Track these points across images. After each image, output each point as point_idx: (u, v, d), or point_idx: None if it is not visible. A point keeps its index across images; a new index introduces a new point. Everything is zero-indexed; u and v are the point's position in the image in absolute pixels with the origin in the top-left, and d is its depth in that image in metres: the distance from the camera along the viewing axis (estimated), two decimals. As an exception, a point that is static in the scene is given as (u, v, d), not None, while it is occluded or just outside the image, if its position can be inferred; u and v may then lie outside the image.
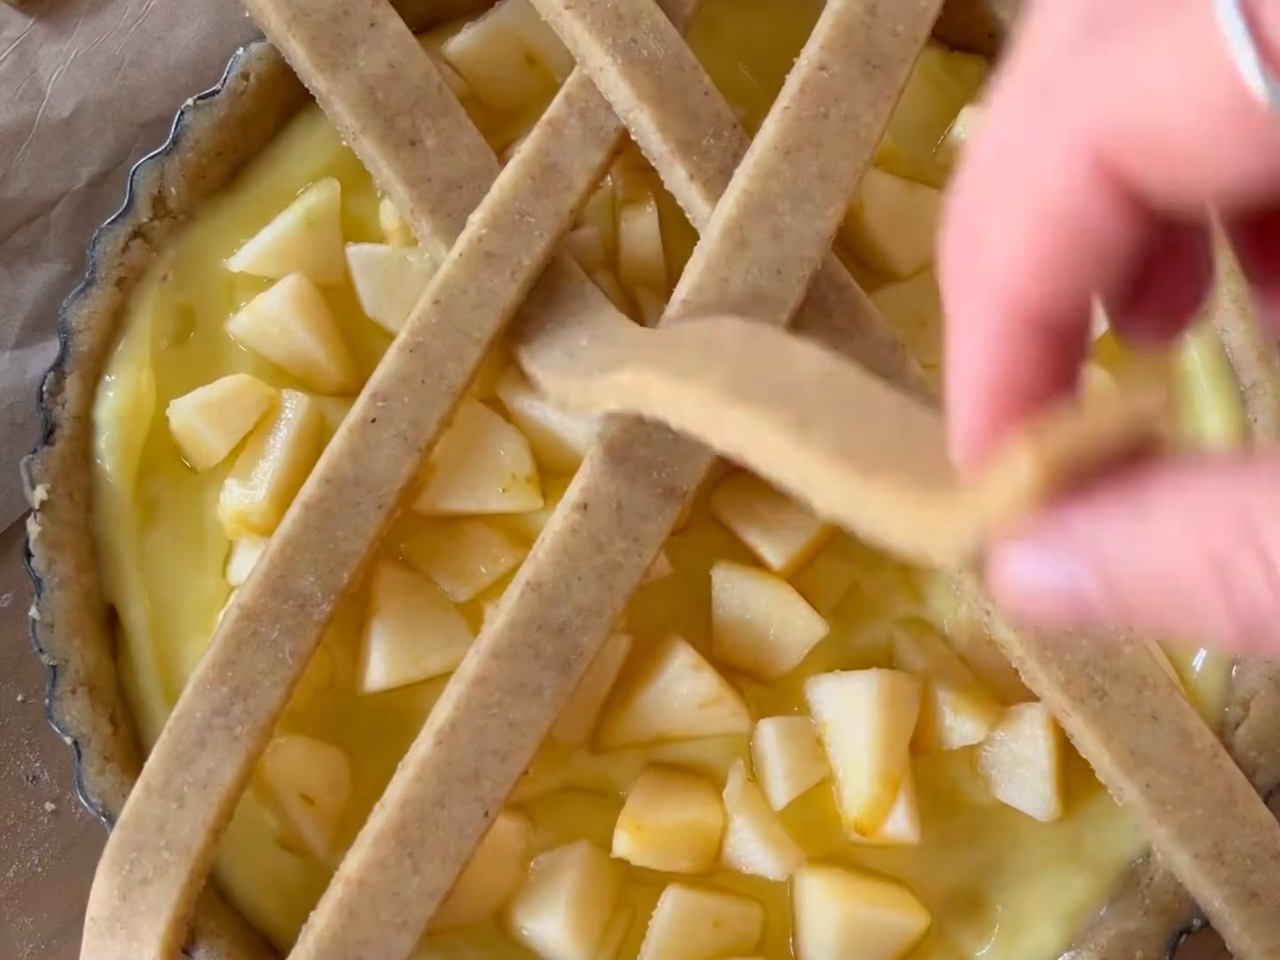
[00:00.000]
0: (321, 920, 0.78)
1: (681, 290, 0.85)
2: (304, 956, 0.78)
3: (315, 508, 0.81)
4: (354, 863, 0.78)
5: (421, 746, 0.80)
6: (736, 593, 0.86)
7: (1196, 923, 0.85)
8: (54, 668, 0.85)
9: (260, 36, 0.89)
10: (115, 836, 0.78)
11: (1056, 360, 0.45)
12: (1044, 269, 0.43)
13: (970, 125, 0.91)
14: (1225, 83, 0.39)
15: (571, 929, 0.83)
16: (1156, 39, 0.40)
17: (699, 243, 0.85)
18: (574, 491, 0.83)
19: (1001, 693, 0.86)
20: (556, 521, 0.82)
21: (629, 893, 0.85)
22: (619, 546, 0.82)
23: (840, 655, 0.88)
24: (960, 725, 0.85)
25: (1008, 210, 0.43)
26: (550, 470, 0.87)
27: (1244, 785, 0.84)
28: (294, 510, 0.81)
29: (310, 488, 0.82)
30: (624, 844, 0.83)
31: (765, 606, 0.86)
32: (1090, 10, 0.43)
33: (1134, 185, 0.41)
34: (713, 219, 0.85)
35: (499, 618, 0.81)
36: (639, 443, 0.82)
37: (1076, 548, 0.43)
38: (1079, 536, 0.43)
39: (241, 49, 0.90)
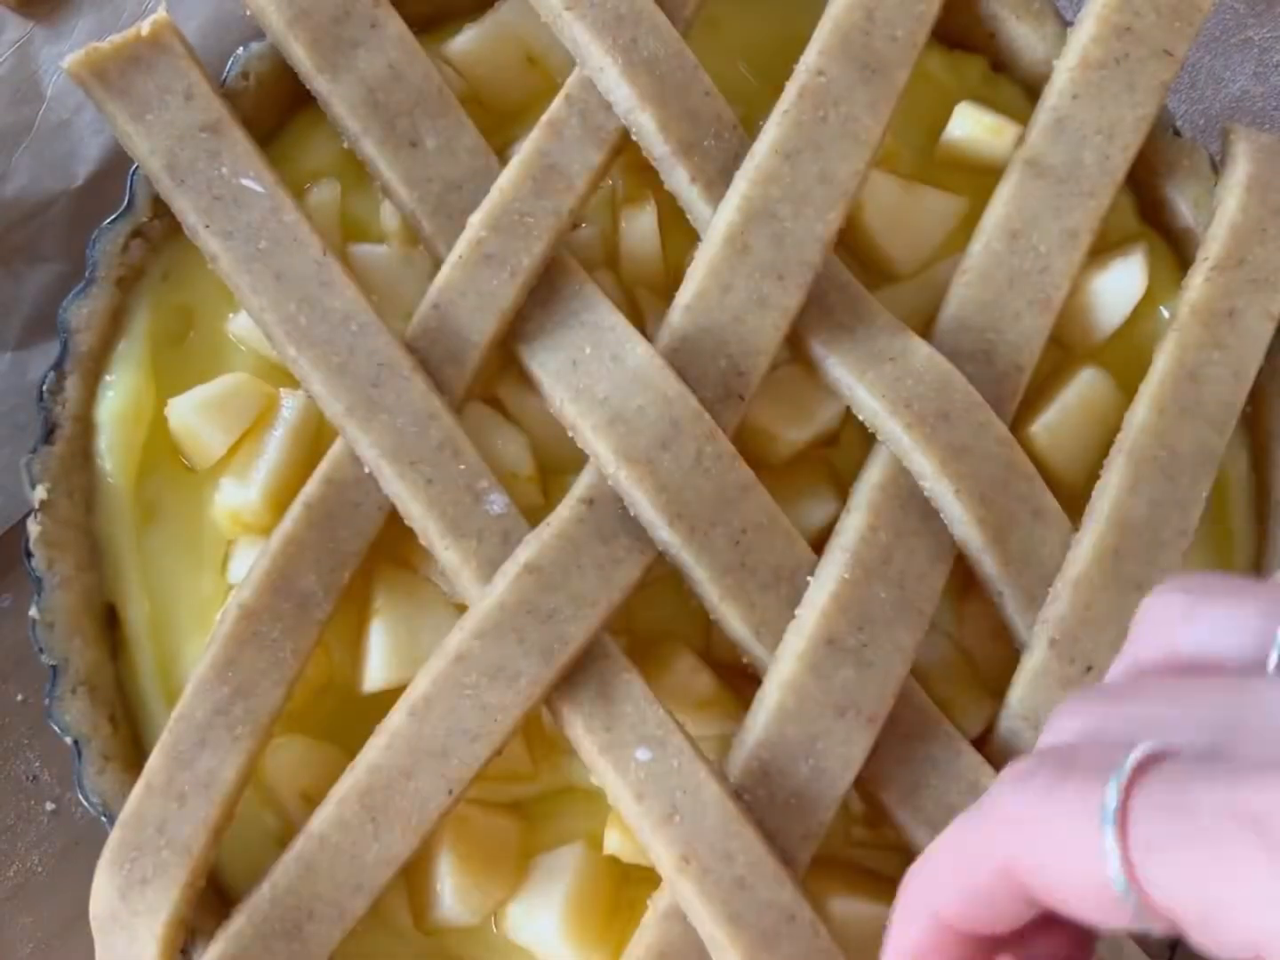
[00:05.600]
0: (279, 869, 0.79)
1: (684, 296, 0.85)
2: (257, 901, 0.78)
3: (317, 507, 0.82)
4: (317, 819, 0.79)
5: (395, 716, 0.80)
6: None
7: (1196, 922, 0.85)
8: (54, 668, 0.85)
9: (259, 35, 0.89)
10: (115, 835, 0.78)
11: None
12: (963, 915, 0.58)
13: (964, 121, 0.92)
14: (1098, 870, 0.51)
15: (568, 929, 0.82)
16: None
17: (700, 248, 0.86)
18: (581, 487, 0.83)
19: (1001, 687, 0.86)
20: (564, 510, 0.82)
21: (627, 892, 0.85)
22: (623, 542, 0.82)
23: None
24: (961, 721, 0.85)
25: (950, 883, 0.59)
26: (551, 469, 0.87)
27: None
28: (295, 509, 0.82)
29: (312, 487, 0.82)
30: (614, 842, 0.83)
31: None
32: None
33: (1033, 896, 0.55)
34: (713, 225, 0.85)
35: (488, 596, 0.81)
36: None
37: None
38: None
39: (241, 48, 0.90)
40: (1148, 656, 0.60)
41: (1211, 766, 0.51)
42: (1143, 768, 0.52)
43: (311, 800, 0.82)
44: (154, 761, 0.79)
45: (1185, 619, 0.58)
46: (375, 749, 0.80)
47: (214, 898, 0.84)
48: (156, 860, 0.78)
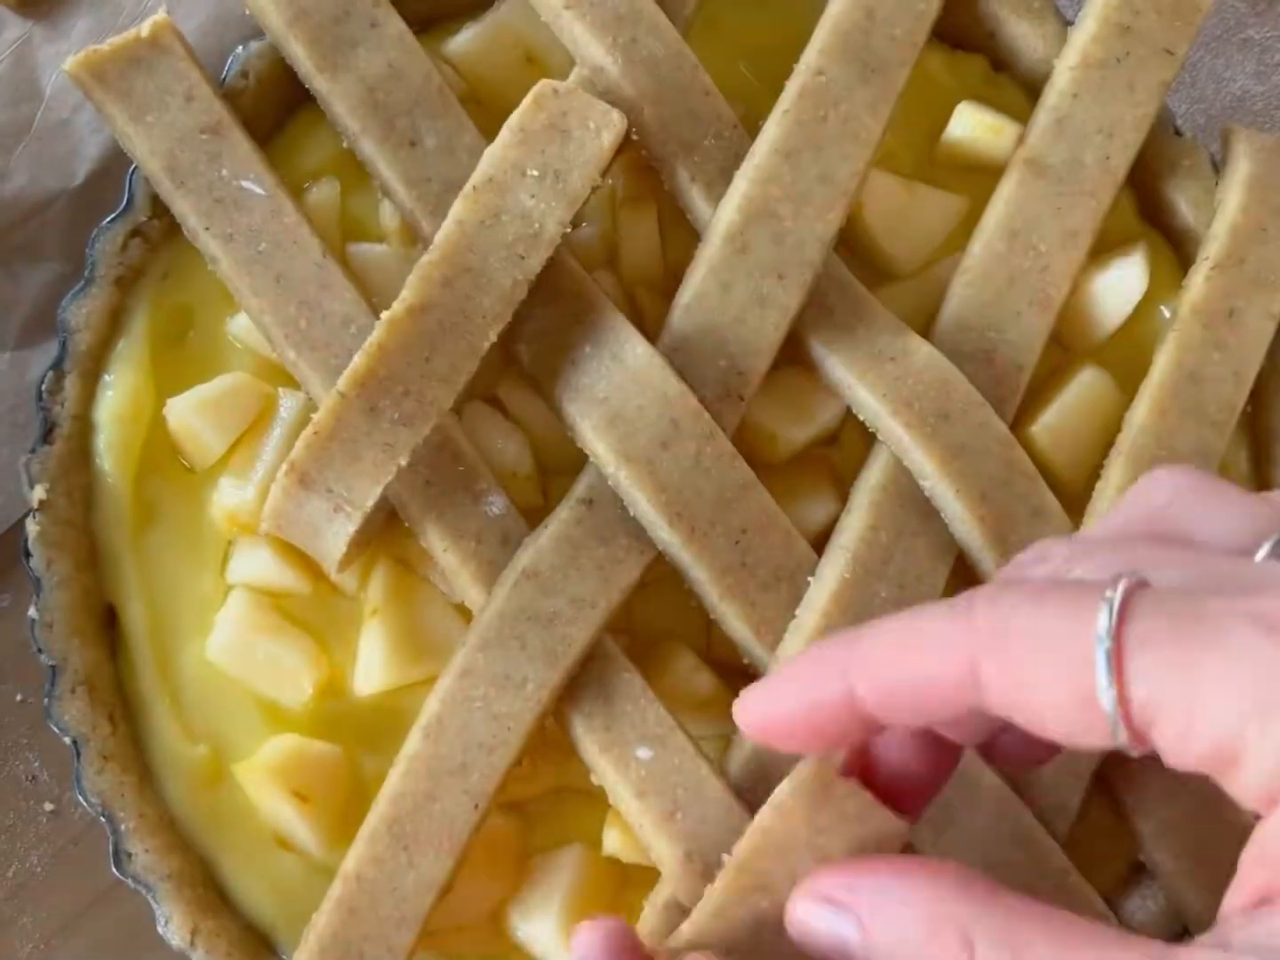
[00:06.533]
0: (322, 918, 0.79)
1: (683, 296, 0.85)
2: (307, 955, 0.78)
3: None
4: (351, 859, 0.79)
5: (410, 741, 0.80)
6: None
7: (1198, 923, 0.85)
8: (53, 667, 0.84)
9: (259, 34, 0.89)
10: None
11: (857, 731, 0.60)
12: (886, 701, 0.58)
13: (964, 121, 0.92)
14: (1083, 695, 0.51)
15: (567, 930, 0.82)
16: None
17: (700, 248, 0.86)
18: (580, 488, 0.83)
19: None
20: (562, 512, 0.83)
21: (625, 895, 0.85)
22: (622, 542, 0.82)
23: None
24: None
25: (890, 665, 0.57)
26: (551, 469, 0.87)
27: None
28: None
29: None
30: (614, 841, 0.83)
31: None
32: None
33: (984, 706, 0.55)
34: (713, 224, 0.85)
35: (488, 606, 0.81)
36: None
37: (850, 909, 0.57)
38: (856, 903, 0.57)
39: (240, 47, 0.90)
40: (1128, 524, 0.58)
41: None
42: (1132, 592, 0.51)
43: (305, 799, 0.82)
44: None
45: (1175, 502, 0.57)
46: (396, 777, 0.80)
47: (213, 898, 0.84)
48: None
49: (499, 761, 0.80)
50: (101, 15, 0.96)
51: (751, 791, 0.79)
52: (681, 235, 0.89)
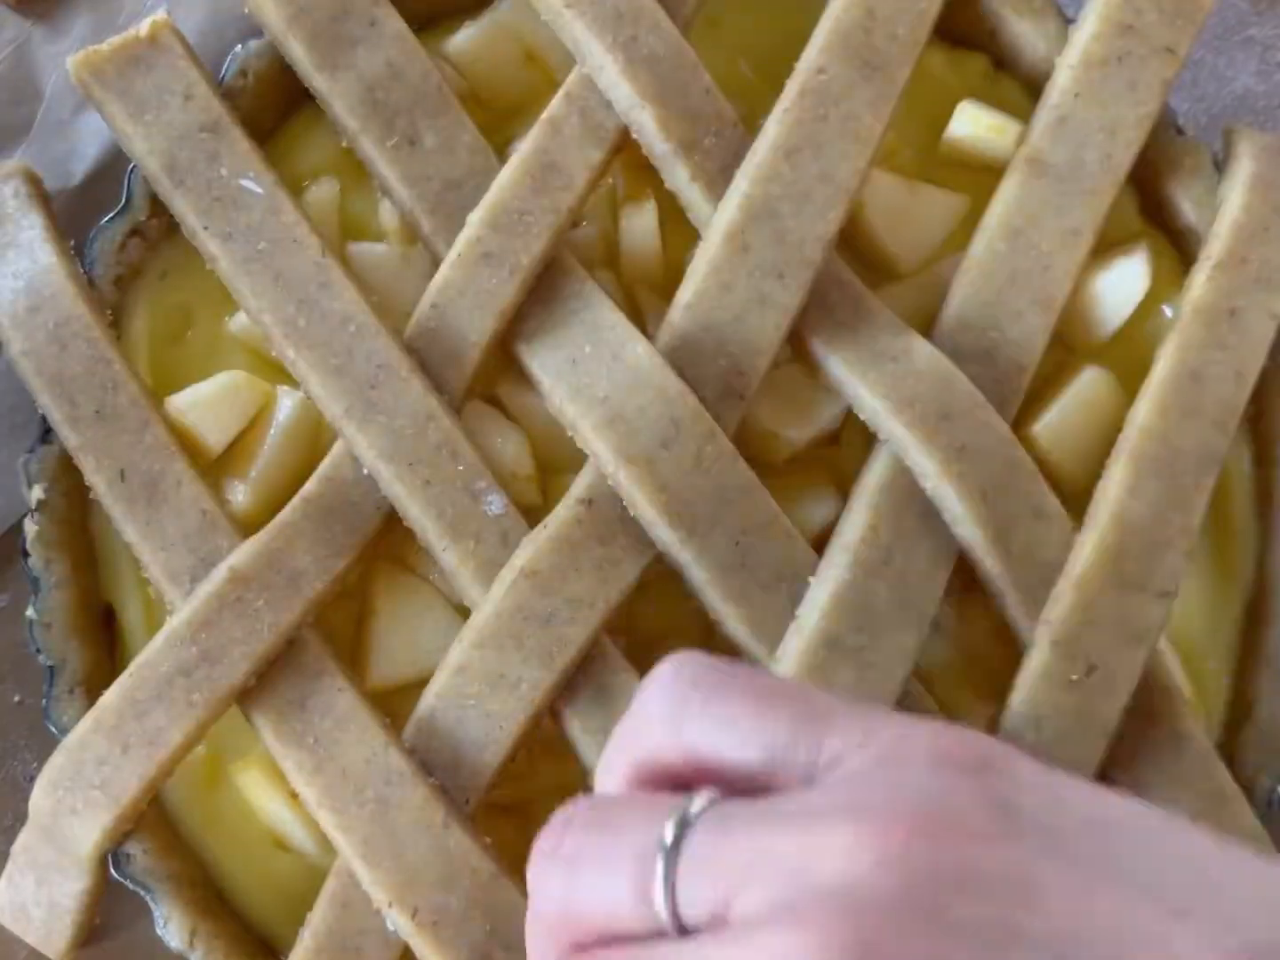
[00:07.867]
0: (317, 915, 0.78)
1: (684, 295, 0.85)
2: (303, 953, 0.78)
3: (314, 503, 0.82)
4: (344, 855, 0.79)
5: (404, 734, 0.81)
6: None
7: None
8: (51, 668, 0.84)
9: (258, 33, 0.89)
10: (58, 757, 0.80)
11: None
12: None
13: (966, 120, 0.91)
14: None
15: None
16: None
17: (700, 247, 0.85)
18: (579, 487, 0.83)
19: (1003, 688, 0.85)
20: (561, 511, 0.82)
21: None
22: (621, 542, 0.82)
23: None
24: (963, 722, 0.84)
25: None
26: (551, 469, 0.87)
27: (1236, 793, 0.84)
28: (294, 503, 0.83)
29: (311, 485, 0.83)
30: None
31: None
32: None
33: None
34: (714, 223, 0.85)
35: (486, 605, 0.81)
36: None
37: None
38: None
39: (240, 46, 0.90)
40: (636, 772, 0.60)
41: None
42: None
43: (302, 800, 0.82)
44: (109, 699, 0.80)
45: (682, 721, 0.59)
46: None
47: (212, 899, 0.84)
48: (87, 797, 0.79)
49: (490, 759, 0.80)
50: (101, 15, 0.96)
51: (751, 792, 0.79)
52: (682, 234, 0.89)
